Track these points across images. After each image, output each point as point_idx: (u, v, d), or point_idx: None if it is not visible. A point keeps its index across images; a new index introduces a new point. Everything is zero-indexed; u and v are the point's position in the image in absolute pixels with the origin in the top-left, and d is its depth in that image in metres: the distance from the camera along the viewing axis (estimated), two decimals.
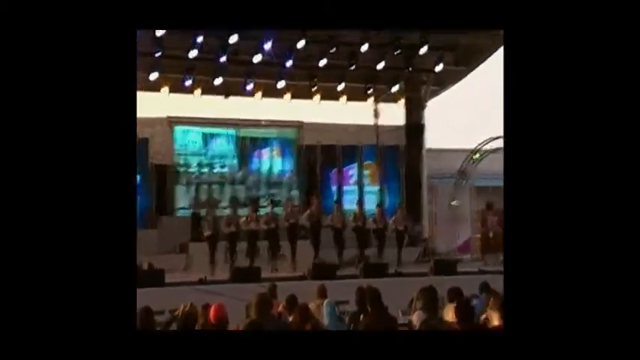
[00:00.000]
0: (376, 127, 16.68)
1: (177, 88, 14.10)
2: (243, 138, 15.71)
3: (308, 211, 12.70)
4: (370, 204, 14.52)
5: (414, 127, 16.36)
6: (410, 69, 14.82)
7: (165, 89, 14.10)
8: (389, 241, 12.94)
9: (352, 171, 16.59)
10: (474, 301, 5.92)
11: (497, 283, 7.35)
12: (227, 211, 13.50)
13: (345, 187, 16.29)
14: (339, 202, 13.59)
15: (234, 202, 14.12)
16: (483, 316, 5.49)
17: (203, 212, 13.47)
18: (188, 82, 13.81)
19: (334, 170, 16.34)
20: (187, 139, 15.34)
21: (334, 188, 16.16)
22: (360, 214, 12.98)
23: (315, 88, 15.07)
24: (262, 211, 13.06)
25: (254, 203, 13.30)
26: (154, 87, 13.79)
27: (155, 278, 9.76)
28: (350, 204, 14.67)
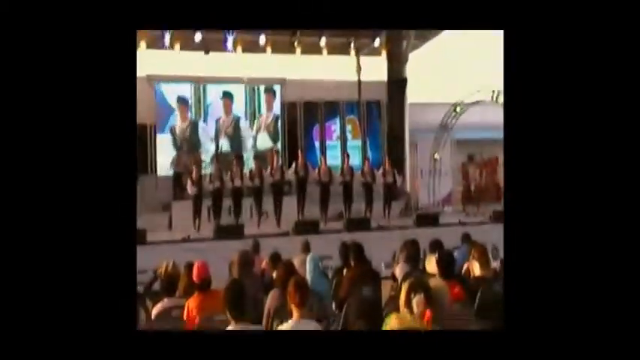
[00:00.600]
0: (358, 82, 16.60)
1: (155, 44, 13.87)
2: (226, 94, 15.55)
3: (293, 166, 12.54)
4: (353, 159, 14.45)
5: (396, 82, 16.29)
6: None
7: (143, 45, 13.87)
8: (375, 195, 12.88)
9: (334, 126, 16.57)
10: (456, 252, 5.99)
11: (479, 234, 7.48)
12: (209, 169, 13.35)
13: (327, 143, 16.30)
14: (324, 155, 13.41)
15: (218, 158, 13.87)
16: (465, 267, 5.58)
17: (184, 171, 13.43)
18: (167, 39, 13.58)
19: (316, 126, 16.30)
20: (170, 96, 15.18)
21: (317, 144, 16.16)
22: (348, 168, 12.83)
23: (297, 42, 14.90)
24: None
25: (238, 159, 13.05)
26: None
27: (137, 237, 9.74)
28: (334, 159, 14.70)
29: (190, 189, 11.62)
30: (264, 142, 15.64)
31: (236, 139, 15.42)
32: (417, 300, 3.93)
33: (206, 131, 15.32)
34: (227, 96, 15.46)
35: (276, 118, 15.86)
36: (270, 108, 15.82)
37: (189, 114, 15.20)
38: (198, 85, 15.30)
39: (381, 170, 12.80)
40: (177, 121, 15.06)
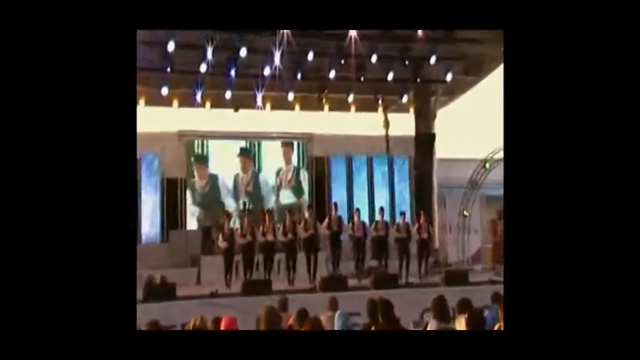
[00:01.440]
0: (386, 137, 16.70)
1: (187, 102, 14.20)
2: (243, 151, 15.83)
3: (326, 221, 12.29)
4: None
5: (424, 137, 16.32)
6: (419, 80, 14.81)
7: (175, 104, 14.23)
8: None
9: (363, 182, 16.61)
10: (486, 312, 5.88)
11: None
12: (237, 223, 13.23)
13: (355, 198, 16.29)
14: (357, 210, 13.05)
15: (247, 212, 13.80)
16: (497, 327, 5.46)
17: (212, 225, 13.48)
18: (198, 97, 13.90)
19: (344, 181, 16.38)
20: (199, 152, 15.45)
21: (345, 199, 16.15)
22: (382, 222, 12.57)
23: (325, 99, 15.11)
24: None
25: (269, 213, 12.70)
26: (165, 102, 13.93)
27: (167, 292, 9.78)
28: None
29: (221, 243, 11.53)
30: (288, 197, 15.79)
31: (257, 194, 15.55)
32: None
33: (225, 187, 15.51)
34: (244, 153, 15.68)
35: (296, 172, 15.99)
36: (288, 162, 15.99)
37: (208, 171, 15.43)
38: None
39: (416, 226, 12.54)
40: (195, 179, 15.31)
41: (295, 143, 16.19)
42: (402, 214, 13.13)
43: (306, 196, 15.88)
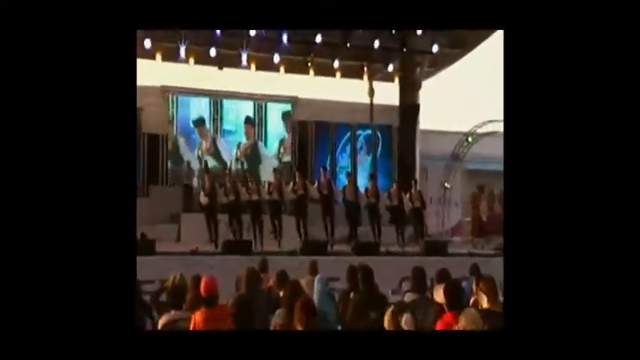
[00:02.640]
0: (370, 105, 16.66)
1: (170, 56, 14.00)
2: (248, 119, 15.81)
3: (317, 182, 11.97)
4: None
5: (409, 108, 16.33)
6: (404, 49, 14.73)
7: (158, 57, 14.01)
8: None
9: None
10: (464, 283, 5.94)
11: (487, 266, 7.43)
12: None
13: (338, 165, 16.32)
14: (349, 174, 12.81)
15: (230, 172, 13.40)
16: (472, 299, 5.53)
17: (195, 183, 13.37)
18: (182, 51, 13.70)
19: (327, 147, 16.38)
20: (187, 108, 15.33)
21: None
22: (374, 190, 12.24)
23: (310, 63, 14.99)
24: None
25: (252, 175, 12.49)
26: (148, 55, 13.69)
27: (146, 247, 9.75)
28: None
29: (202, 198, 11.10)
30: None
31: (254, 160, 15.54)
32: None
33: (226, 149, 15.50)
34: (249, 121, 15.65)
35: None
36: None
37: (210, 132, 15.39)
38: (215, 100, 15.45)
39: (408, 195, 12.34)
40: (201, 141, 15.28)
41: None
42: (396, 182, 13.03)
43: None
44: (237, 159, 15.53)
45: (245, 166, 15.15)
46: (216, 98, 15.50)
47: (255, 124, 15.82)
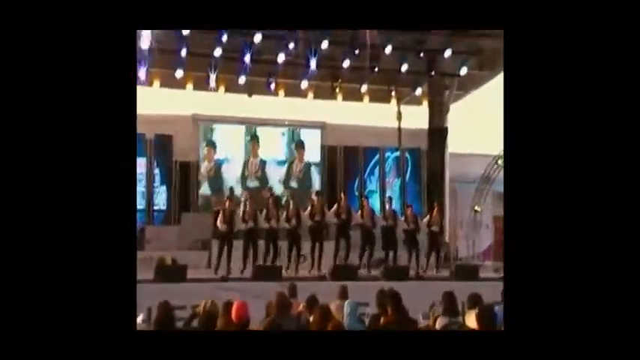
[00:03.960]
0: (399, 129, 16.66)
1: (201, 86, 14.23)
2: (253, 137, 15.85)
3: (335, 207, 11.84)
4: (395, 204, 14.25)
5: (437, 131, 16.27)
6: (433, 72, 14.75)
7: (189, 87, 14.25)
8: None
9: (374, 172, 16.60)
10: (496, 307, 5.86)
11: None
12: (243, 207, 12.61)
13: (367, 189, 16.29)
14: (366, 198, 12.62)
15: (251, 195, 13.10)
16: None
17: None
18: (212, 80, 13.92)
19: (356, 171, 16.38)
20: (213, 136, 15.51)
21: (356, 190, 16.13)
22: (390, 213, 12.12)
23: (338, 89, 15.08)
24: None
25: (274, 199, 12.21)
26: (179, 84, 13.96)
27: (178, 273, 9.83)
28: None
29: (221, 226, 11.01)
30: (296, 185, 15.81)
31: (264, 181, 15.53)
32: None
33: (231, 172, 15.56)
34: (254, 139, 15.66)
35: (307, 167, 16.02)
36: (301, 160, 16.04)
37: (216, 156, 15.49)
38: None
39: (426, 218, 12.23)
40: (204, 162, 15.37)
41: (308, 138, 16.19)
42: (409, 206, 12.79)
43: (315, 187, 15.77)
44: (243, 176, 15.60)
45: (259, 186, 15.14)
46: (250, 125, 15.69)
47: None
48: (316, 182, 15.95)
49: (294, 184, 15.69)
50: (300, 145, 16.02)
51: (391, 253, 11.92)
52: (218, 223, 11.11)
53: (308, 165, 15.94)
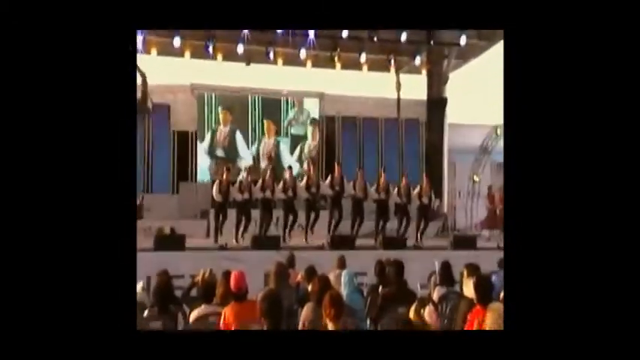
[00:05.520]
0: (397, 99, 16.60)
1: (199, 54, 14.13)
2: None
3: (329, 178, 11.91)
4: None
5: (436, 101, 16.23)
6: (432, 42, 14.63)
7: (187, 55, 14.18)
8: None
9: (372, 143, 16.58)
10: (493, 277, 5.91)
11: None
12: (241, 177, 12.79)
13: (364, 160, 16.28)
14: (361, 169, 12.49)
15: (251, 169, 13.40)
16: (503, 292, 5.50)
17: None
18: (210, 49, 13.82)
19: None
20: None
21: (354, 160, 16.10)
22: (384, 184, 12.05)
23: (337, 58, 14.98)
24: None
25: (272, 171, 12.23)
26: (177, 52, 13.86)
27: (176, 242, 9.89)
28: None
29: (216, 196, 11.04)
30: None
31: (232, 152, 15.47)
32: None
33: (244, 142, 15.53)
34: (227, 108, 15.51)
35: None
36: (315, 138, 16.04)
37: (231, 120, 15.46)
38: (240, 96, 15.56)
39: (417, 190, 12.14)
40: (220, 125, 15.32)
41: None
42: (404, 175, 12.61)
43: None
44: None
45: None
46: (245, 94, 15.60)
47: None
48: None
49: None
50: (314, 122, 15.98)
51: (381, 224, 11.95)
52: (214, 193, 11.14)
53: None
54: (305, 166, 14.63)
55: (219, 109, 15.39)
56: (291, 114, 16.05)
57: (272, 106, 15.88)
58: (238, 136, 15.51)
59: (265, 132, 15.73)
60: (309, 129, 16.12)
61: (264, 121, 15.71)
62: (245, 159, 15.33)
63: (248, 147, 15.59)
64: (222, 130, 15.43)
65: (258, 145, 15.67)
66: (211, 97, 15.44)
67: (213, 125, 15.39)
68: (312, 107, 16.25)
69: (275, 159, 15.55)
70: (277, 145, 15.81)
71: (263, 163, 15.19)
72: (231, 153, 15.40)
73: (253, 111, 15.72)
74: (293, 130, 16.02)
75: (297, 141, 16.05)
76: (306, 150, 16.02)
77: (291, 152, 15.95)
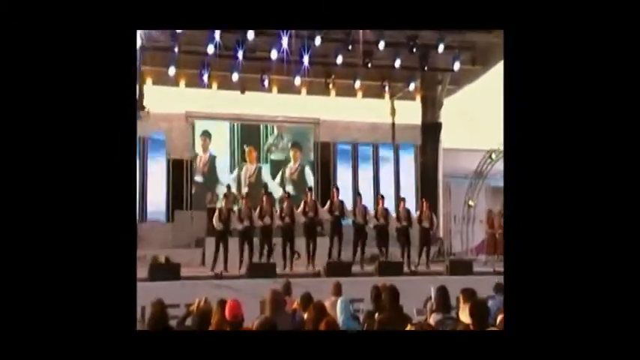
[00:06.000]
0: (392, 124, 16.67)
1: (194, 83, 14.20)
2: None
3: (328, 204, 11.92)
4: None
5: (431, 126, 16.31)
6: (426, 68, 14.76)
7: (182, 84, 14.24)
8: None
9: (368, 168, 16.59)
10: (490, 302, 5.88)
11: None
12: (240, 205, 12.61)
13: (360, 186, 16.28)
14: (359, 195, 12.54)
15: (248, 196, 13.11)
16: (499, 317, 5.47)
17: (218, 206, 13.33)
18: (205, 77, 13.90)
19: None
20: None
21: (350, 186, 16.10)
22: (382, 210, 12.08)
23: (332, 84, 15.07)
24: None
25: (268, 196, 12.19)
26: (172, 82, 13.93)
27: (171, 271, 9.83)
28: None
29: (217, 225, 11.07)
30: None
31: (258, 185, 15.32)
32: None
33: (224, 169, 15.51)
34: (205, 134, 15.51)
35: (302, 169, 15.99)
36: (296, 161, 16.01)
37: (210, 148, 15.45)
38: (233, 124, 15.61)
39: (417, 214, 12.24)
40: (199, 152, 15.33)
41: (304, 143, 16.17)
42: (402, 200, 12.72)
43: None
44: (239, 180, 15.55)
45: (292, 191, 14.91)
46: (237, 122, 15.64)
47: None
48: (310, 180, 15.91)
49: (289, 186, 15.56)
50: (295, 146, 16.00)
51: (383, 250, 11.97)
52: (214, 221, 11.14)
53: (302, 166, 15.89)
54: (291, 190, 14.65)
55: (197, 135, 15.41)
56: (270, 139, 16.03)
57: (251, 133, 15.88)
58: (218, 162, 15.49)
59: (247, 158, 15.69)
60: (291, 153, 16.04)
61: (245, 147, 15.68)
62: (224, 185, 15.30)
63: (229, 172, 15.54)
64: (202, 157, 15.41)
65: (239, 171, 15.62)
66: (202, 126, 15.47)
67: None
68: (307, 134, 16.28)
69: (256, 185, 15.43)
70: (259, 170, 15.76)
71: (244, 190, 15.07)
72: (211, 179, 15.34)
73: (232, 138, 15.73)
74: (273, 156, 15.99)
75: (278, 166, 15.99)
76: (287, 174, 15.94)
77: (273, 177, 15.90)
